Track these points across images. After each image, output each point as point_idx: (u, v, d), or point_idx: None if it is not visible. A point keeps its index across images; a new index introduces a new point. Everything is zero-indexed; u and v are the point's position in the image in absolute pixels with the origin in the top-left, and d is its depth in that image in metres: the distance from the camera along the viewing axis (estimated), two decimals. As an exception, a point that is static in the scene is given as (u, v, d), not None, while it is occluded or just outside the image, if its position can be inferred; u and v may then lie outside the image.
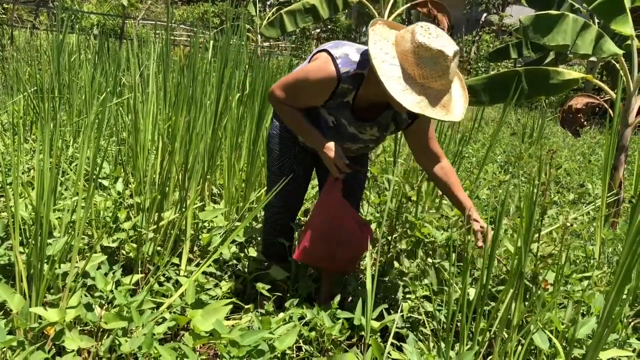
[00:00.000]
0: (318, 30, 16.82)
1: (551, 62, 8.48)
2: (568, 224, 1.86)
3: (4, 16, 11.48)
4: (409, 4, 8.47)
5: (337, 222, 2.15)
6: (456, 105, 1.91)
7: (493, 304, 2.14)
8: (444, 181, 2.15)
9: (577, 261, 2.65)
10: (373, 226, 2.80)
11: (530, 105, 11.92)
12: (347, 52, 1.98)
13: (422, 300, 2.23)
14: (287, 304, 2.08)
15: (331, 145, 2.04)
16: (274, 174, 2.34)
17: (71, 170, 3.08)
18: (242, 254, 2.61)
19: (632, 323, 2.17)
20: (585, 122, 4.62)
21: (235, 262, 2.56)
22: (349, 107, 2.04)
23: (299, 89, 2.05)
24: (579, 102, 4.44)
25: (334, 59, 1.96)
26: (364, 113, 2.07)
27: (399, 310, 2.10)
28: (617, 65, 3.73)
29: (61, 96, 4.16)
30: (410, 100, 1.81)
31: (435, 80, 1.82)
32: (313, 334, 1.86)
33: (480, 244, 2.01)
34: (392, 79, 1.81)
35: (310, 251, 2.16)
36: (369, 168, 2.45)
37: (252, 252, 2.51)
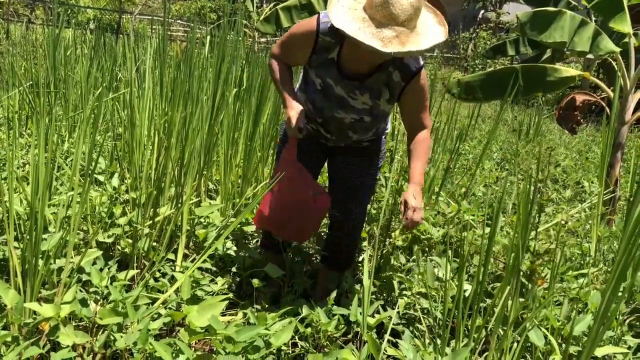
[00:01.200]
0: (315, 27, 16.75)
1: (548, 59, 8.51)
2: (563, 222, 1.85)
3: (-1, 10, 11.41)
4: (406, 1, 8.46)
5: (290, 186, 2.12)
6: (422, 40, 1.84)
7: (489, 300, 2.14)
8: (410, 149, 2.11)
9: (574, 258, 2.66)
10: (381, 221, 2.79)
11: (527, 103, 11.93)
12: None
13: (418, 297, 2.24)
14: (282, 300, 2.08)
15: (296, 106, 2.06)
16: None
17: (67, 165, 3.06)
18: (238, 250, 2.60)
19: (628, 320, 2.17)
20: (581, 120, 4.63)
21: (231, 258, 2.55)
22: (334, 65, 2.04)
23: (288, 44, 2.13)
24: (575, 99, 4.45)
25: (319, 14, 2.04)
26: (352, 73, 2.04)
27: (396, 307, 2.10)
28: (615, 63, 3.73)
29: (57, 91, 4.14)
30: (358, 30, 1.79)
31: (390, 19, 1.78)
32: (309, 330, 1.86)
33: (402, 216, 1.95)
34: (345, 15, 1.83)
35: (266, 217, 2.15)
36: (378, 171, 2.38)
37: (248, 248, 2.51)
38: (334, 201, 2.23)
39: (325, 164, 2.43)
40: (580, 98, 4.32)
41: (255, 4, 14.81)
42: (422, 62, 2.05)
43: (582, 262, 2.65)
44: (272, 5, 9.02)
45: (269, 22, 7.00)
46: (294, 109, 2.05)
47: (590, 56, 3.91)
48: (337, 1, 1.90)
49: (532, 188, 1.68)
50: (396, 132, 3.35)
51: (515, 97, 3.76)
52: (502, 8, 21.45)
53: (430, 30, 1.87)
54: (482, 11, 21.38)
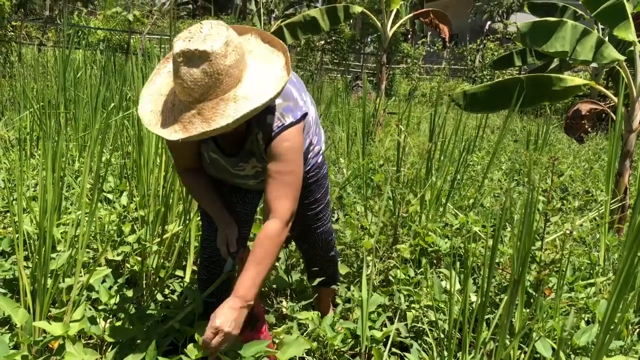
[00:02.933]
0: (322, 42, 16.90)
1: (555, 68, 8.50)
2: (568, 231, 1.85)
3: (12, 34, 11.61)
4: (411, 14, 8.51)
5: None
6: (244, 105, 1.53)
7: (496, 312, 2.13)
8: (253, 246, 1.67)
9: (582, 268, 2.64)
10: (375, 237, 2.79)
11: (536, 113, 11.90)
12: None
13: (426, 309, 2.23)
14: (288, 312, 2.08)
15: (224, 227, 1.84)
16: None
17: (76, 184, 3.11)
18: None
19: (638, 330, 2.15)
20: (589, 129, 4.61)
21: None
22: (212, 140, 1.79)
23: (173, 152, 1.91)
24: (582, 108, 4.43)
25: None
26: (228, 146, 1.79)
27: (403, 320, 2.10)
28: (621, 71, 3.73)
29: (67, 112, 4.20)
30: (150, 113, 1.60)
31: (181, 88, 1.52)
32: (315, 344, 1.86)
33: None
34: (148, 95, 1.66)
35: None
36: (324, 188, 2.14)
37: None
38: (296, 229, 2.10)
39: None
40: (586, 107, 4.31)
41: (262, 21, 14.94)
42: (287, 121, 1.67)
43: (591, 271, 2.63)
44: (279, 21, 9.11)
45: (275, 39, 7.06)
46: (222, 231, 1.83)
47: (594, 65, 3.91)
48: (151, 80, 1.70)
49: (536, 197, 1.69)
50: (402, 143, 3.36)
51: (521, 107, 3.76)
52: (509, 19, 21.49)
53: (260, 85, 1.57)
54: (488, 22, 21.43)
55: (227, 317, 1.55)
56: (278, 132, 1.66)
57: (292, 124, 1.67)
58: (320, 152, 2.05)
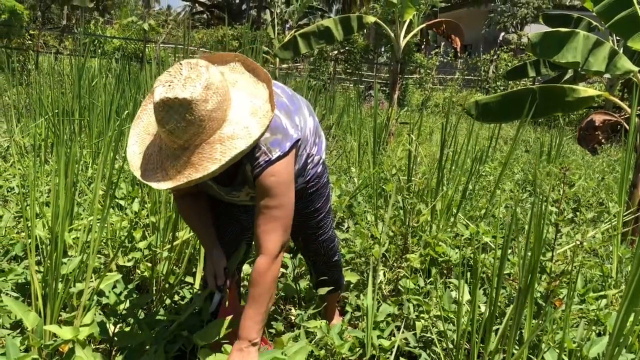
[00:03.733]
0: (335, 52, 16.96)
1: (569, 80, 8.45)
2: (578, 242, 1.84)
3: (30, 42, 11.80)
4: (424, 25, 8.53)
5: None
6: (232, 144, 1.52)
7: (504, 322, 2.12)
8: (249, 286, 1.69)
9: (594, 280, 2.62)
10: (385, 246, 2.79)
11: (550, 124, 11.83)
12: None
13: (435, 319, 2.22)
14: (297, 321, 2.08)
15: (213, 257, 1.80)
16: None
17: (89, 190, 3.14)
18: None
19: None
20: (603, 140, 4.57)
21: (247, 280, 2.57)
22: None
23: None
24: (596, 119, 4.41)
25: None
26: (221, 178, 1.75)
27: (412, 329, 2.09)
28: (636, 82, 3.70)
29: (81, 119, 4.25)
30: (138, 157, 1.59)
31: (167, 134, 1.52)
32: (323, 352, 1.86)
33: None
34: (136, 138, 1.65)
35: None
36: (325, 197, 2.12)
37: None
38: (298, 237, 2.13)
39: None
40: (600, 118, 4.28)
41: (276, 31, 15.04)
42: (274, 155, 1.64)
43: (603, 283, 2.61)
44: (293, 31, 9.15)
45: (288, 48, 7.10)
46: (210, 261, 1.79)
47: (608, 76, 3.89)
48: (138, 117, 1.68)
49: (547, 206, 1.68)
50: (413, 154, 3.36)
51: (533, 117, 3.75)
52: (523, 29, 21.44)
53: (245, 123, 1.55)
54: (502, 33, 21.38)
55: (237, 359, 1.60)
56: (265, 166, 1.63)
57: (279, 158, 1.64)
58: (321, 162, 2.03)
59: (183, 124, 1.47)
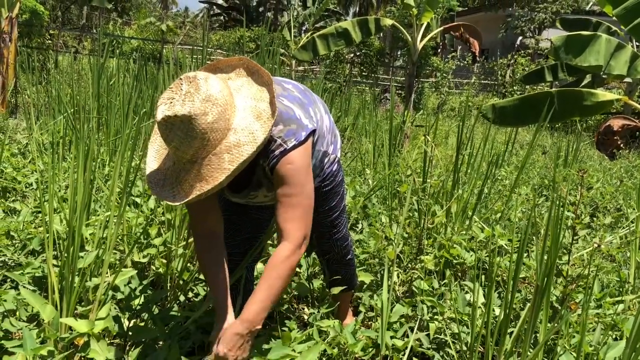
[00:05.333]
0: (352, 55, 16.97)
1: (588, 85, 8.37)
2: (596, 245, 1.82)
3: (50, 42, 11.95)
4: (442, 28, 8.51)
5: None
6: (238, 152, 1.54)
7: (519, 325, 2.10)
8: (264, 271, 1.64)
9: (611, 285, 2.58)
10: (400, 247, 2.78)
11: (567, 129, 11.72)
12: None
13: (449, 321, 2.21)
14: (309, 320, 2.08)
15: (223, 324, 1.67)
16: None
17: (106, 187, 3.17)
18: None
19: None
20: (622, 145, 4.53)
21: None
22: None
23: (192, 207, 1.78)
24: (614, 124, 4.37)
25: None
26: (234, 184, 1.77)
27: (425, 331, 2.08)
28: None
29: (99, 117, 4.30)
30: (156, 174, 1.62)
31: (174, 151, 1.55)
32: (335, 351, 1.86)
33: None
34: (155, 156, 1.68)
35: None
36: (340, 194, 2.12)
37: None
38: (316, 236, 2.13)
39: None
40: (618, 123, 4.24)
41: (292, 33, 15.08)
42: (289, 144, 1.65)
43: (620, 289, 2.57)
44: (309, 34, 9.18)
45: (306, 49, 7.12)
46: (219, 325, 1.67)
47: (628, 80, 3.85)
48: (155, 131, 1.70)
49: (563, 210, 1.66)
50: (430, 155, 3.34)
51: (551, 121, 3.72)
52: (541, 34, 21.28)
53: (251, 129, 1.56)
54: (520, 38, 21.25)
55: (232, 343, 1.54)
56: (280, 156, 1.64)
57: (294, 147, 1.65)
58: (336, 160, 2.04)
59: (187, 139, 1.50)
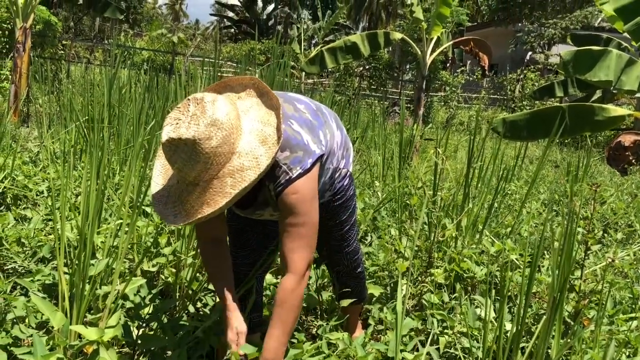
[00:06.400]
0: (361, 68, 17.02)
1: (598, 100, 8.35)
2: (610, 259, 1.80)
3: (62, 52, 12.08)
4: (451, 42, 8.53)
5: None
6: (243, 175, 1.54)
7: (531, 340, 2.08)
8: (273, 306, 1.66)
9: (623, 301, 2.55)
10: (410, 260, 2.76)
11: (577, 145, 11.68)
12: None
13: (459, 335, 2.19)
14: (318, 332, 2.07)
15: (236, 324, 1.72)
16: None
17: (116, 196, 3.18)
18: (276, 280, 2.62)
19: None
20: (633, 160, 4.50)
21: (270, 290, 2.57)
22: None
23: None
24: (626, 139, 4.34)
25: None
26: (240, 202, 1.75)
27: (435, 345, 2.06)
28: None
29: (111, 126, 4.32)
30: (161, 196, 1.63)
31: (177, 172, 1.57)
32: (345, 363, 1.85)
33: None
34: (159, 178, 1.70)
35: None
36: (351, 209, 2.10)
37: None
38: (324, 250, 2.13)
39: None
40: (630, 138, 4.22)
41: (302, 46, 15.16)
42: (295, 173, 1.63)
43: (633, 305, 2.54)
44: (319, 47, 9.23)
45: (314, 63, 7.16)
46: (232, 331, 1.70)
47: (638, 95, 3.83)
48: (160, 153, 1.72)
49: (576, 223, 1.65)
50: (439, 168, 3.34)
51: (561, 136, 3.71)
52: (551, 50, 21.29)
53: (255, 154, 1.56)
54: (529, 53, 21.25)
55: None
56: (285, 185, 1.63)
57: (300, 175, 1.64)
58: (348, 175, 2.02)
59: (190, 162, 1.51)
